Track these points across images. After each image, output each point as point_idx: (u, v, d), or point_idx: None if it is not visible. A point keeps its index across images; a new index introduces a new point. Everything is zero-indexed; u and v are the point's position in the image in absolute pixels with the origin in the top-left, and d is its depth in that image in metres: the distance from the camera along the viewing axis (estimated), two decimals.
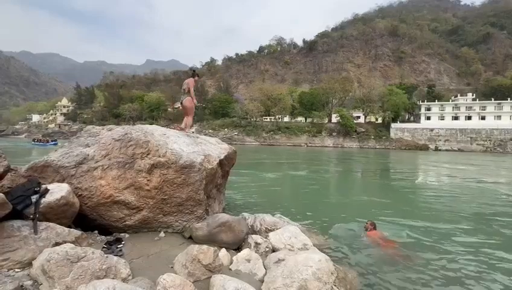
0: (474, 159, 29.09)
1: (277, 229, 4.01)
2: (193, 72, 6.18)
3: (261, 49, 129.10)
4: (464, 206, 7.65)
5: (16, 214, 2.74)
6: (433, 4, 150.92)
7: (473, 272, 3.76)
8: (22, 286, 2.23)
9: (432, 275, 3.64)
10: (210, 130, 59.73)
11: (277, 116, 66.23)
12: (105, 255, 2.55)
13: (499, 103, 55.29)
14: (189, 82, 5.98)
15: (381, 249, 4.44)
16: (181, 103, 6.11)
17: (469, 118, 55.72)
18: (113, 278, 2.31)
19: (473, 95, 64.73)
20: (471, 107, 57.16)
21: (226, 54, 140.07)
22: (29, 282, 2.29)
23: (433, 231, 5.48)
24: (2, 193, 2.65)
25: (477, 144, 51.50)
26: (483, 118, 54.93)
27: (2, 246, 2.48)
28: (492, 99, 57.44)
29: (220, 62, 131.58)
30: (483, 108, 56.07)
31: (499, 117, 53.80)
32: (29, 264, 2.47)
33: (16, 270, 2.44)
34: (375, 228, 5.07)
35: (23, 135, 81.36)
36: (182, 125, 6.02)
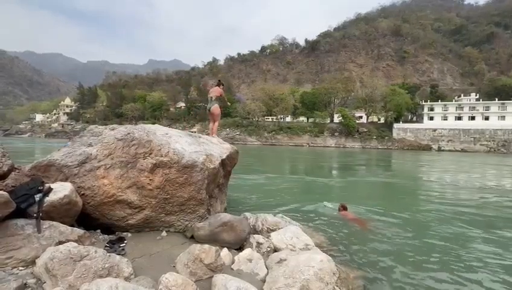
0: (477, 160, 28.87)
1: (279, 229, 4.01)
2: (219, 82, 6.93)
3: (263, 49, 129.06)
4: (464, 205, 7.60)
5: (20, 213, 2.76)
6: (437, 4, 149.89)
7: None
8: (25, 284, 2.25)
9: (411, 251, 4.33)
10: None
11: (279, 116, 66.21)
12: (108, 254, 2.56)
13: (503, 103, 54.82)
14: (217, 90, 6.60)
15: (351, 222, 5.76)
16: (209, 110, 6.66)
17: (472, 118, 55.31)
18: (115, 277, 2.32)
19: (476, 95, 64.26)
20: (474, 107, 56.73)
21: (228, 54, 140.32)
22: (33, 280, 2.31)
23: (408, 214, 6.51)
24: (6, 191, 2.67)
25: (481, 145, 51.12)
26: (486, 118, 54.51)
27: (6, 244, 2.50)
28: (496, 99, 56.95)
29: (222, 62, 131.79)
30: (487, 108, 55.64)
31: (503, 117, 53.35)
32: (33, 262, 2.49)
33: (20, 268, 2.46)
34: (345, 209, 6.30)
35: (27, 135, 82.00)
36: (211, 131, 6.60)
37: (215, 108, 6.56)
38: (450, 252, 4.41)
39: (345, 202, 6.55)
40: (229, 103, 6.84)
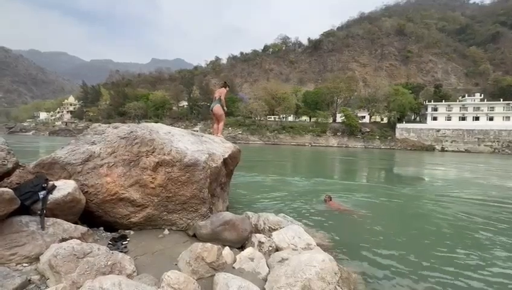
0: (482, 161, 28.61)
1: (280, 228, 4.01)
2: (224, 83, 6.94)
3: (266, 48, 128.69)
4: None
5: (24, 210, 2.79)
6: (441, 3, 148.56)
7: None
8: (29, 280, 2.27)
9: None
10: (211, 129, 59.77)
11: (281, 116, 66.14)
12: (111, 251, 2.58)
13: (508, 104, 54.26)
14: (221, 91, 6.64)
15: (337, 211, 6.37)
16: (212, 110, 6.68)
17: (477, 118, 54.82)
18: (118, 274, 2.33)
19: (481, 96, 63.64)
20: (479, 107, 56.22)
21: (230, 53, 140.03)
22: (37, 277, 2.34)
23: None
24: (11, 188, 2.70)
25: (485, 145, 50.68)
26: (491, 118, 53.99)
27: (10, 241, 2.53)
28: (501, 99, 56.41)
29: (224, 61, 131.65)
30: (492, 108, 55.10)
31: (508, 118, 52.82)
32: (37, 259, 2.51)
33: (24, 264, 2.49)
34: (331, 199, 6.93)
35: (31, 132, 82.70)
36: (214, 131, 6.63)
37: (218, 108, 6.58)
38: (453, 252, 4.38)
39: (330, 193, 7.35)
40: (225, 108, 6.73)
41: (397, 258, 4.11)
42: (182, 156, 3.71)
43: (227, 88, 6.83)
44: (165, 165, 3.66)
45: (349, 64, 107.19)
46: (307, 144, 55.74)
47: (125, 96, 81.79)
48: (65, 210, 3.10)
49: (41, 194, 2.92)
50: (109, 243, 3.11)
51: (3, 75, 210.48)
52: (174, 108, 79.59)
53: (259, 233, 3.95)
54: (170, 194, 3.69)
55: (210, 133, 6.41)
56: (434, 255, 4.23)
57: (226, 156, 4.64)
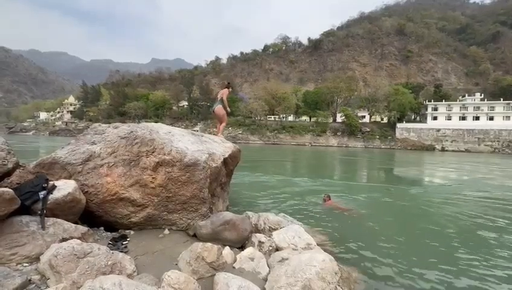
0: (484, 161, 28.58)
1: (281, 228, 4.01)
2: (227, 84, 6.97)
3: (266, 47, 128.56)
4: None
5: (24, 210, 2.79)
6: (441, 2, 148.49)
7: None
8: (30, 280, 2.27)
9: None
10: (214, 129, 59.77)
11: (281, 116, 66.11)
12: (111, 251, 2.58)
13: (508, 103, 54.23)
14: (223, 92, 6.67)
15: (337, 211, 6.43)
16: (213, 111, 6.74)
17: (477, 118, 54.79)
18: (118, 274, 2.33)
19: (481, 95, 63.64)
20: (479, 107, 56.20)
21: (230, 53, 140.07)
22: (37, 276, 2.34)
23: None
24: (11, 188, 2.70)
25: (485, 145, 50.65)
26: (491, 118, 53.97)
27: (10, 240, 2.53)
28: (501, 99, 56.39)
29: (224, 61, 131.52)
30: (492, 108, 55.08)
31: (508, 118, 52.79)
32: (37, 259, 2.51)
33: (24, 264, 2.49)
34: (330, 199, 6.95)
35: (31, 132, 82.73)
36: (217, 132, 6.67)
37: (219, 109, 6.60)
38: (455, 251, 4.38)
39: (329, 193, 7.34)
40: (228, 109, 6.75)
41: (398, 258, 4.11)
42: (182, 156, 3.71)
43: (230, 88, 6.82)
44: (165, 165, 3.66)
45: (349, 64, 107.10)
46: (307, 143, 55.73)
47: (125, 96, 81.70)
48: (65, 210, 3.10)
49: (42, 194, 2.92)
50: (109, 243, 3.11)
51: (3, 75, 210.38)
52: (174, 108, 79.57)
53: (260, 233, 3.95)
54: (170, 194, 3.69)
55: (210, 133, 6.43)
56: (435, 255, 4.23)
57: (226, 155, 4.64)
